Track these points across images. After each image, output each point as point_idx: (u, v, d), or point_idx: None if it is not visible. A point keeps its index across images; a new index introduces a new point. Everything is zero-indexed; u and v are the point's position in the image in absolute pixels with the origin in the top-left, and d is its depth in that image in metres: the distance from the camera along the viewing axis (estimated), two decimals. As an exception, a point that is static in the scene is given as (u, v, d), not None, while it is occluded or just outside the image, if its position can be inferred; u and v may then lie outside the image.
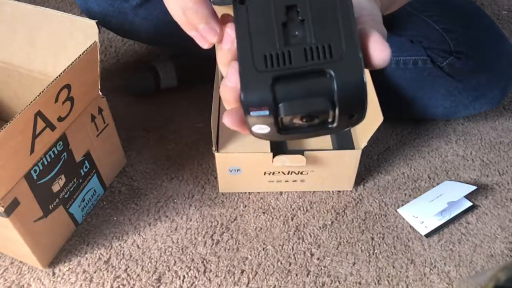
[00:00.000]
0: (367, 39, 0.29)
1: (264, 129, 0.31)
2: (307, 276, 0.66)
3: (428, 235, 0.71)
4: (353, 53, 0.29)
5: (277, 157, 0.69)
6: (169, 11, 0.34)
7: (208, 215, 0.73)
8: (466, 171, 0.80)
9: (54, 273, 0.66)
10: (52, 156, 0.62)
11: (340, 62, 0.29)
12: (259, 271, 0.67)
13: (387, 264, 0.68)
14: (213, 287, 0.65)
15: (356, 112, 0.31)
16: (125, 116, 0.89)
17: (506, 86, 0.80)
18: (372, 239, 0.71)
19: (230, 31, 0.32)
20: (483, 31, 0.81)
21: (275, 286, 0.65)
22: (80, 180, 0.69)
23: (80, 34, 0.64)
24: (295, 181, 0.74)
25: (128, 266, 0.67)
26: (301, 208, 0.74)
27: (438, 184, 0.78)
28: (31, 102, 0.54)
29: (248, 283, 0.65)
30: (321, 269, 0.67)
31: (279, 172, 0.72)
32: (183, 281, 0.66)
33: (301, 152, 0.70)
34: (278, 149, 0.72)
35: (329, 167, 0.72)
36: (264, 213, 0.74)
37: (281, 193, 0.77)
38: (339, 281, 0.66)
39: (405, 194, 0.77)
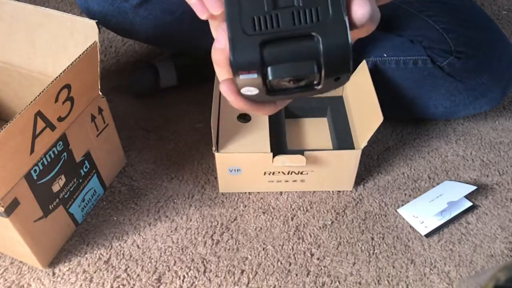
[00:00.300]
0: (351, 0, 0.31)
1: (252, 91, 0.33)
2: (307, 276, 0.66)
3: (428, 235, 0.71)
4: (338, 17, 0.30)
5: (277, 157, 0.69)
6: None
7: (208, 215, 0.74)
8: (466, 171, 0.80)
9: (54, 273, 0.67)
10: (52, 156, 0.62)
11: (327, 26, 0.30)
12: (259, 271, 0.67)
13: (387, 264, 0.68)
14: (213, 287, 0.65)
15: (342, 73, 0.32)
16: (125, 116, 0.89)
17: (507, 86, 0.80)
18: (372, 239, 0.71)
19: None
20: (484, 31, 0.81)
21: (275, 286, 0.65)
22: (80, 180, 0.69)
23: (80, 34, 0.64)
24: (295, 181, 0.74)
25: (128, 266, 0.67)
26: (301, 208, 0.75)
27: (438, 184, 0.78)
28: (31, 102, 0.54)
29: (248, 283, 0.65)
30: (321, 269, 0.67)
31: (279, 172, 0.72)
32: (183, 281, 0.66)
33: (301, 152, 0.70)
34: (278, 149, 0.72)
35: (329, 167, 0.72)
36: (264, 213, 0.74)
37: (281, 193, 0.77)
38: (339, 281, 0.66)
39: (405, 194, 0.77)
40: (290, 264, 0.68)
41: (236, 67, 0.31)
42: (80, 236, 0.71)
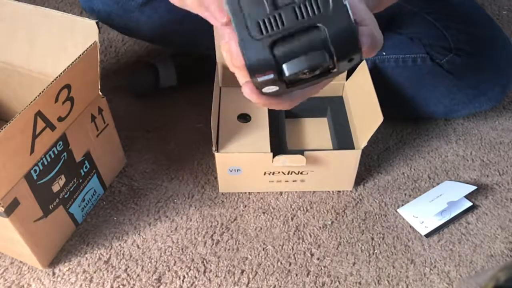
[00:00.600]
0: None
1: (273, 88, 0.35)
2: (307, 276, 0.66)
3: (428, 235, 0.71)
4: (338, 2, 0.32)
5: (277, 157, 0.69)
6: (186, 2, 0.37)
7: (208, 215, 0.73)
8: (466, 171, 0.80)
9: (54, 273, 0.67)
10: (52, 156, 0.62)
11: (329, 14, 0.32)
12: (259, 271, 0.67)
13: (387, 264, 0.68)
14: (213, 287, 0.65)
15: (354, 54, 0.34)
16: (125, 116, 0.89)
17: (507, 84, 0.80)
18: (372, 239, 0.71)
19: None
20: (483, 28, 0.81)
21: (275, 286, 0.65)
22: (80, 180, 0.69)
23: (80, 34, 0.64)
24: (295, 181, 0.74)
25: (128, 266, 0.67)
26: (301, 208, 0.74)
27: (438, 184, 0.78)
28: (31, 102, 0.54)
29: (248, 283, 0.65)
30: (321, 269, 0.67)
31: (279, 172, 0.72)
32: (183, 281, 0.66)
33: (301, 152, 0.70)
34: (278, 149, 0.72)
35: (329, 167, 0.72)
36: (264, 213, 0.74)
37: (281, 193, 0.77)
38: (339, 281, 0.66)
39: (405, 194, 0.77)
40: (290, 264, 0.68)
41: (253, 72, 0.33)
42: (80, 236, 0.71)
